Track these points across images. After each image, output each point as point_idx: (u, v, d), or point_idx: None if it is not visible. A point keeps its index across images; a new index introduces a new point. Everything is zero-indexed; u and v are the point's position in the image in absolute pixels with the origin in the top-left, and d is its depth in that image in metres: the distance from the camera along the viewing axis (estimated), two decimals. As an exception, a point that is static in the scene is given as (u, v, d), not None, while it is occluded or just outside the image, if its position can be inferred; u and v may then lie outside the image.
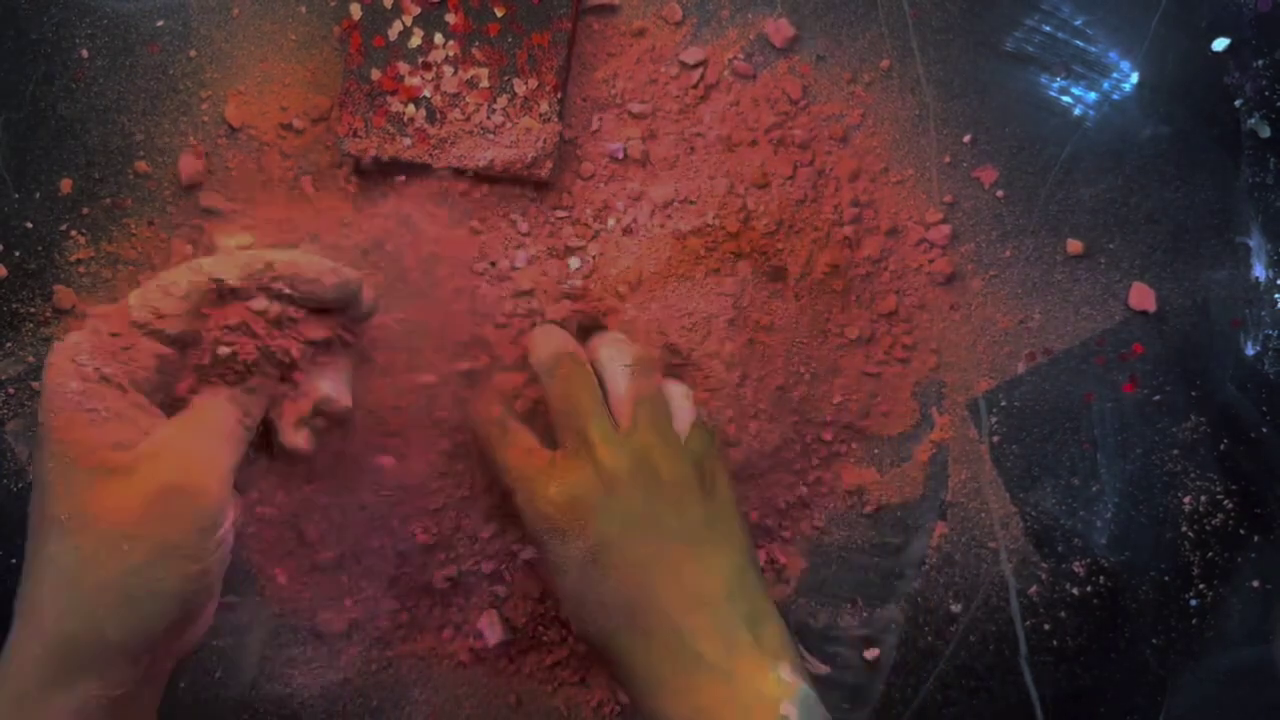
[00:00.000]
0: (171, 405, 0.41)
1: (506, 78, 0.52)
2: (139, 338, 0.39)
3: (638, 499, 0.46)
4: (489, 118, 0.52)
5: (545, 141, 0.52)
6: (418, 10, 0.51)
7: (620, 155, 0.54)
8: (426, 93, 0.51)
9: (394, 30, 0.51)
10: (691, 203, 0.54)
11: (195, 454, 0.39)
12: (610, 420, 0.48)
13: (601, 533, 0.45)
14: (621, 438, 0.47)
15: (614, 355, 0.50)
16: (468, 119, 0.52)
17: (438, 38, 0.51)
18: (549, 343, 0.50)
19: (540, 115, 0.52)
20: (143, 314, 0.40)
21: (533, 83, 0.52)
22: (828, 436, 0.56)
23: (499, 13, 0.51)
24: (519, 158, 0.52)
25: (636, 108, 0.55)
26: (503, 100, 0.52)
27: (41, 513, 0.38)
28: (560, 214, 0.54)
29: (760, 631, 0.44)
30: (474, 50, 0.51)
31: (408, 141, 0.52)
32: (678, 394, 0.50)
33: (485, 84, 0.52)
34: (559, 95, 0.52)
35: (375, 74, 0.51)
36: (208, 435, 0.40)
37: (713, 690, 0.43)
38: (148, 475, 0.38)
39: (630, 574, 0.45)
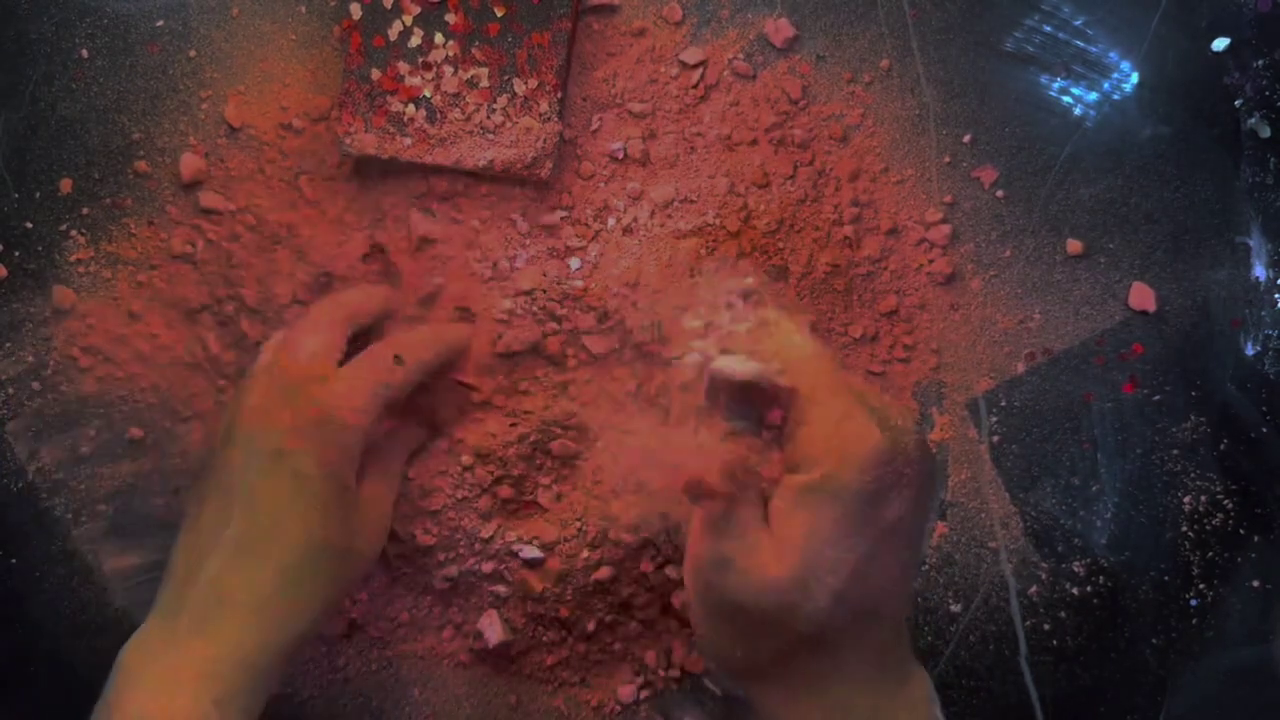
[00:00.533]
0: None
1: (506, 77, 0.52)
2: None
3: (917, 476, 0.40)
4: (489, 118, 0.52)
5: (545, 141, 0.52)
6: (418, 10, 0.51)
7: (620, 155, 0.54)
8: (426, 92, 0.51)
9: (394, 30, 0.51)
10: (692, 202, 0.54)
11: (344, 397, 0.47)
12: None
13: (913, 503, 0.39)
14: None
15: (790, 325, 0.43)
16: (468, 119, 0.52)
17: (438, 37, 0.51)
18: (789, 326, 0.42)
19: (540, 115, 0.52)
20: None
21: (533, 82, 0.52)
22: None
23: (499, 12, 0.51)
24: (519, 158, 0.52)
25: (636, 107, 0.55)
26: (503, 100, 0.52)
27: (239, 429, 0.46)
28: (560, 214, 0.54)
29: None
30: (474, 50, 0.51)
31: (408, 141, 0.52)
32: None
33: (485, 84, 0.52)
34: (559, 95, 0.52)
35: (375, 74, 0.51)
36: (359, 382, 0.47)
37: (896, 688, 0.41)
38: (316, 405, 0.46)
39: (907, 556, 0.41)
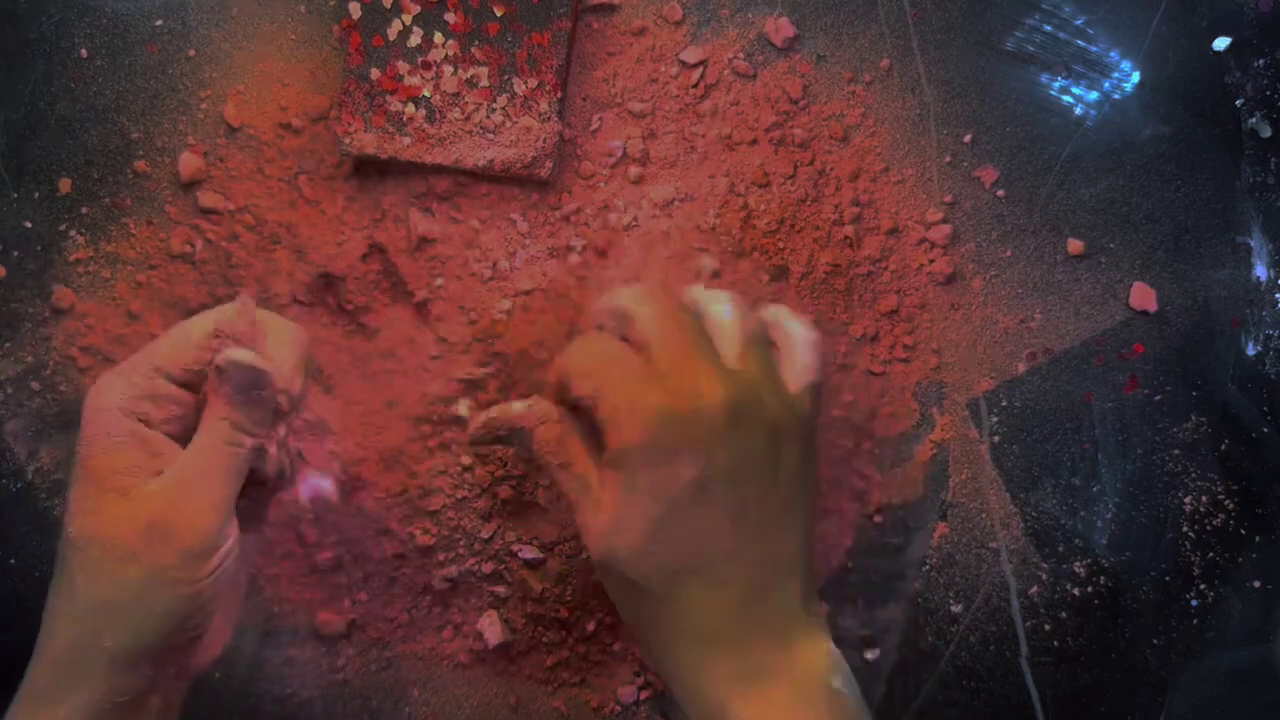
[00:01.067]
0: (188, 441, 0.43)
1: (506, 77, 0.52)
2: (159, 380, 0.42)
3: (748, 439, 0.42)
4: (489, 117, 0.52)
5: (545, 141, 0.52)
6: (417, 9, 0.51)
7: (620, 154, 0.54)
8: (426, 92, 0.51)
9: (393, 29, 0.51)
10: (693, 200, 0.54)
11: (191, 485, 0.41)
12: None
13: (713, 463, 0.42)
14: (733, 372, 0.43)
15: (709, 296, 0.46)
16: (467, 118, 0.52)
17: (437, 37, 0.51)
18: (630, 288, 0.46)
19: (540, 115, 0.51)
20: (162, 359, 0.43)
21: (532, 82, 0.51)
22: (844, 441, 0.56)
23: (499, 12, 0.51)
24: (519, 157, 0.52)
25: (636, 106, 0.54)
26: (502, 100, 0.52)
27: (64, 532, 0.42)
28: (560, 213, 0.54)
29: (811, 605, 0.44)
30: (474, 49, 0.51)
31: (407, 141, 0.52)
32: (804, 342, 0.46)
33: (485, 83, 0.51)
34: (559, 95, 0.52)
35: (375, 73, 0.51)
36: (205, 467, 0.42)
37: (767, 653, 0.42)
38: (148, 502, 0.41)
39: (724, 516, 0.42)
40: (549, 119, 0.52)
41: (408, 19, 0.51)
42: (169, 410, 0.42)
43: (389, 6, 0.51)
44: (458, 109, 0.52)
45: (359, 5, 0.51)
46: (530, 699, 0.57)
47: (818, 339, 0.46)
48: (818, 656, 0.43)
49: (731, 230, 0.54)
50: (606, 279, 0.54)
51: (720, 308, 0.45)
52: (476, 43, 0.51)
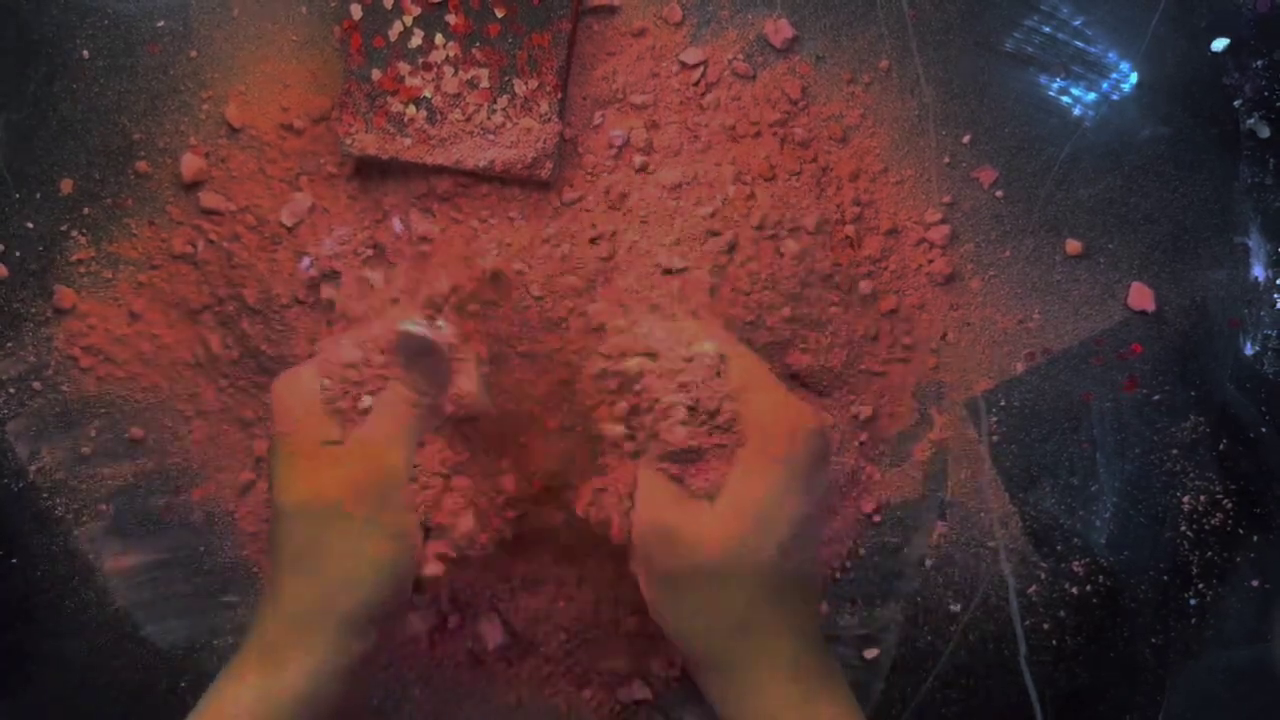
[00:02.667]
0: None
1: (507, 78, 0.52)
2: (343, 368, 0.47)
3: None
4: (489, 118, 0.52)
5: (545, 142, 0.52)
6: (418, 11, 0.51)
7: (623, 142, 0.54)
8: (427, 93, 0.51)
9: (394, 31, 0.51)
10: (700, 185, 0.54)
11: (380, 442, 0.45)
12: None
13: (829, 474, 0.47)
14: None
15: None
16: (468, 119, 0.52)
17: (438, 38, 0.51)
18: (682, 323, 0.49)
19: (540, 115, 0.52)
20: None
21: (533, 83, 0.52)
22: (838, 438, 0.56)
23: (499, 13, 0.51)
24: (519, 158, 0.52)
25: (638, 99, 0.54)
26: (503, 101, 0.52)
27: (275, 507, 0.45)
28: (562, 200, 0.54)
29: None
30: (474, 51, 0.51)
31: (408, 142, 0.52)
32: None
33: (485, 84, 0.52)
34: (559, 96, 0.52)
35: (376, 74, 0.51)
36: (389, 427, 0.45)
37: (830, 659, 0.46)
38: (348, 461, 0.45)
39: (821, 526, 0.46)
40: (549, 120, 0.52)
41: (409, 20, 0.51)
42: (353, 389, 0.46)
43: (390, 8, 0.51)
44: (458, 110, 0.52)
45: (360, 6, 0.51)
46: (531, 698, 0.57)
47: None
48: (842, 678, 0.46)
49: (741, 213, 0.53)
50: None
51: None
52: (477, 44, 0.52)
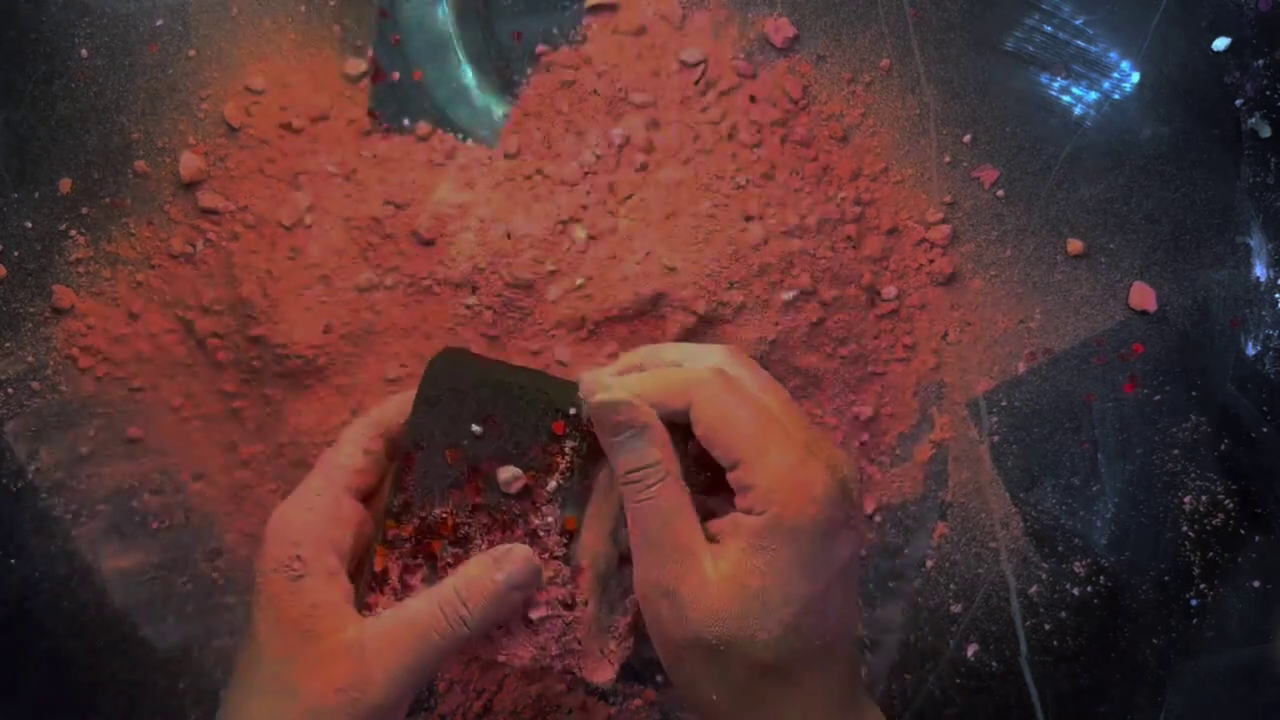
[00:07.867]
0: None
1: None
2: (344, 500, 0.43)
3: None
4: None
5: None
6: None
7: (623, 141, 0.54)
8: None
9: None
10: (702, 183, 0.54)
11: (390, 654, 0.40)
12: None
13: (858, 540, 0.41)
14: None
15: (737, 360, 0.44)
16: None
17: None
18: (707, 347, 0.44)
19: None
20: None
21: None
22: (840, 437, 0.56)
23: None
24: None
25: (638, 98, 0.54)
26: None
27: (249, 638, 0.42)
28: (564, 199, 0.54)
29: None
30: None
31: None
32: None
33: None
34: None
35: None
36: (408, 641, 0.41)
37: None
38: (342, 661, 0.40)
39: (855, 594, 0.42)
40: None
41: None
42: (355, 527, 0.43)
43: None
44: None
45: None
46: (532, 697, 0.57)
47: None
48: None
49: (746, 212, 0.53)
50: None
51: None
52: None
